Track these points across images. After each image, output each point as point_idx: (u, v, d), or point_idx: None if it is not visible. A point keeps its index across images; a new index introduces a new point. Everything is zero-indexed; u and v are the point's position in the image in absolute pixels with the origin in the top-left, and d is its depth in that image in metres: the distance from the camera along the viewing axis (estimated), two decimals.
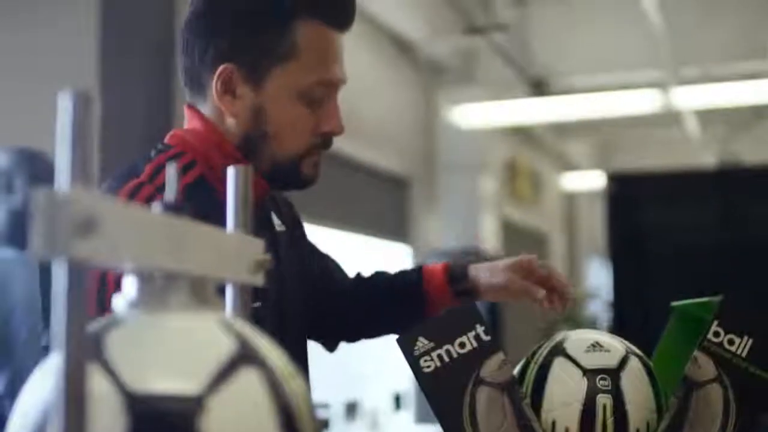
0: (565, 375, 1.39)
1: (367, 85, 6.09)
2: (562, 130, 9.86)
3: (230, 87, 1.40)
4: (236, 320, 0.78)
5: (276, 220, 1.53)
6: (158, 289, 0.74)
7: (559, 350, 1.42)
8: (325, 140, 1.46)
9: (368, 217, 6.32)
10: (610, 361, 1.39)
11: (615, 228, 5.73)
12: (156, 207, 0.75)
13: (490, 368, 1.40)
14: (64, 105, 0.63)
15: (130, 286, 0.75)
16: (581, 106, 7.30)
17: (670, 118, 8.18)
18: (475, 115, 7.28)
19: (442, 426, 1.41)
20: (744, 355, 1.40)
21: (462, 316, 1.41)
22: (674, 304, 1.61)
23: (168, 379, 0.68)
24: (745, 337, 1.40)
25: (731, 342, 1.40)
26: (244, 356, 0.72)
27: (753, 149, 8.43)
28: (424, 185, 7.25)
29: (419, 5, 6.34)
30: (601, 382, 1.37)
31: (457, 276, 1.66)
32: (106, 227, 0.63)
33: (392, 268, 1.77)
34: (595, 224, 10.18)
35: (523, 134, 9.12)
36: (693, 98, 7.03)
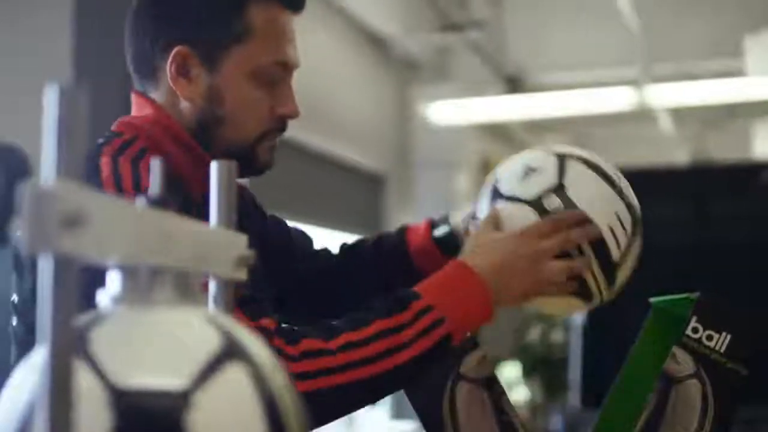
0: (512, 213, 1.39)
1: (341, 82, 6.09)
2: (537, 127, 9.88)
3: (184, 69, 1.38)
4: (221, 315, 0.78)
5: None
6: (143, 284, 0.73)
7: (496, 194, 1.42)
8: (282, 124, 1.44)
9: (343, 213, 6.31)
10: (548, 179, 1.39)
11: None
12: (141, 201, 0.74)
13: (469, 364, 1.40)
14: (51, 98, 0.62)
15: (114, 281, 0.74)
16: (556, 103, 7.31)
17: (643, 115, 8.21)
18: (449, 111, 7.28)
19: (423, 423, 1.41)
20: (722, 350, 1.41)
21: None
22: (652, 300, 1.61)
23: (154, 374, 0.68)
24: (724, 334, 1.41)
25: (710, 338, 1.41)
26: (230, 352, 0.71)
27: (726, 147, 8.49)
28: (399, 182, 7.25)
29: (395, 2, 6.34)
30: (550, 206, 1.38)
31: (437, 222, 1.64)
32: (94, 221, 0.63)
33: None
34: None
35: (498, 131, 9.14)
36: (667, 96, 7.06)
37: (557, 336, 8.32)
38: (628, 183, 1.42)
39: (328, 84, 5.72)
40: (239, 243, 0.89)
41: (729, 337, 1.41)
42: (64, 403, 0.61)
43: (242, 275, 0.90)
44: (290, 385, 0.76)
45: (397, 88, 7.28)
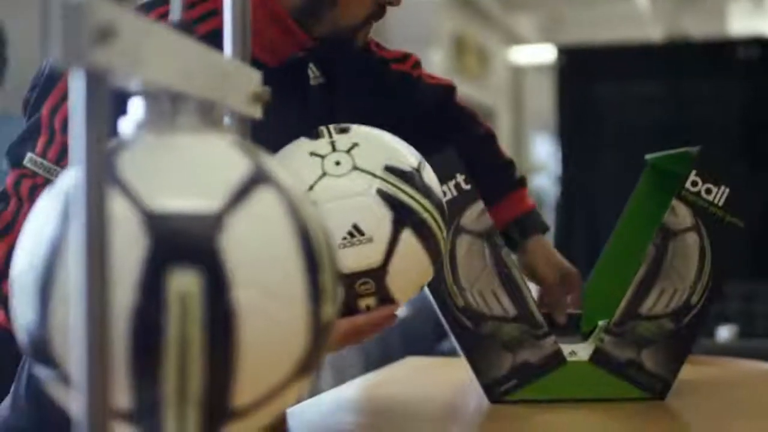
0: None
1: None
2: (511, 4, 9.79)
3: None
4: (246, 142, 0.76)
5: (314, 72, 1.42)
6: (167, 110, 0.72)
7: None
8: (382, 9, 1.40)
9: None
10: (375, 256, 1.16)
11: (564, 102, 5.73)
12: (167, 24, 0.72)
13: (470, 217, 1.40)
14: None
15: (137, 107, 0.72)
16: None
17: None
18: None
19: None
20: (721, 204, 1.42)
21: (442, 165, 1.40)
22: (648, 156, 1.62)
23: (186, 197, 0.67)
24: (722, 187, 1.41)
25: (708, 191, 1.42)
26: (261, 177, 0.70)
27: (701, 24, 8.45)
28: None
29: None
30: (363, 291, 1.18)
31: (523, 231, 1.62)
32: (124, 36, 0.61)
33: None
34: (542, 99, 10.21)
35: (470, 7, 9.03)
36: None
37: None
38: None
39: None
40: (253, 79, 0.87)
41: (727, 190, 1.41)
42: (98, 224, 0.60)
43: (256, 112, 0.88)
44: (320, 217, 0.75)
45: None
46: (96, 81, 0.60)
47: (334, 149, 1.16)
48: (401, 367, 1.83)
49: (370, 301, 1.17)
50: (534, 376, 1.41)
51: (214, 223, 0.66)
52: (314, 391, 1.78)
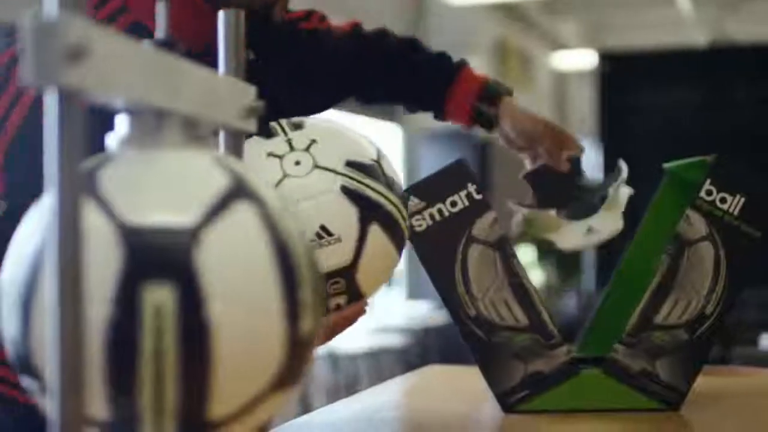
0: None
1: None
2: (553, 9, 9.75)
3: None
4: (231, 158, 0.77)
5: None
6: (151, 126, 0.73)
7: None
8: None
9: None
10: (344, 255, 1.16)
11: (606, 108, 5.71)
12: (147, 43, 0.73)
13: (481, 226, 1.40)
14: None
15: (122, 124, 0.73)
16: None
17: None
18: None
19: (435, 285, 1.42)
20: (736, 213, 1.40)
21: (453, 175, 1.41)
22: (666, 165, 1.61)
23: (162, 211, 0.68)
24: (738, 196, 1.40)
25: (723, 200, 1.41)
26: (239, 191, 0.71)
27: (746, 28, 8.36)
28: None
29: None
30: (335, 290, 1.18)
31: (492, 99, 1.53)
32: (97, 55, 0.62)
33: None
34: (584, 105, 10.15)
35: (512, 13, 9.01)
36: None
37: None
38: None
39: None
40: (248, 93, 0.88)
41: (743, 199, 1.40)
42: (73, 240, 0.61)
43: (251, 126, 0.90)
44: (302, 232, 0.76)
45: None
46: (69, 100, 0.61)
47: (291, 148, 1.13)
48: (421, 375, 1.83)
49: (341, 299, 1.16)
50: (546, 387, 1.40)
51: (189, 237, 0.67)
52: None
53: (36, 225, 0.70)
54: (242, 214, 0.70)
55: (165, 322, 0.65)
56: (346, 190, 1.12)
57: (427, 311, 6.71)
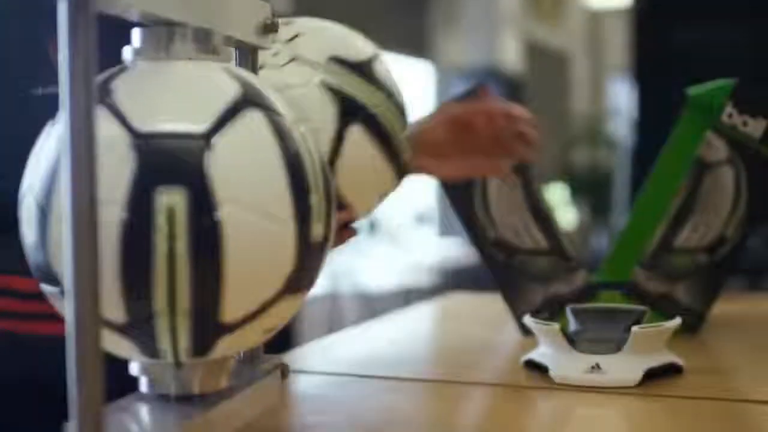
0: None
1: None
2: None
3: None
4: (242, 69, 0.79)
5: None
6: (163, 37, 0.74)
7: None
8: None
9: (386, 33, 6.24)
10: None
11: (641, 46, 5.64)
12: None
13: None
14: None
15: (137, 36, 0.75)
16: None
17: None
18: None
19: (456, 213, 1.43)
20: (757, 136, 1.40)
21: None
22: (689, 90, 1.60)
23: (174, 119, 0.69)
24: (760, 119, 1.40)
25: (745, 124, 1.40)
26: (250, 100, 0.72)
27: None
28: (444, 0, 7.12)
29: None
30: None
31: None
32: None
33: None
34: (619, 43, 10.03)
35: None
36: None
37: (603, 156, 8.30)
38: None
39: None
40: (263, 9, 0.89)
41: (765, 123, 1.40)
42: (86, 148, 0.62)
43: (266, 43, 0.91)
44: (313, 142, 0.78)
45: None
46: (80, 9, 0.62)
47: (273, 40, 1.00)
48: (445, 301, 1.85)
49: None
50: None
51: (201, 142, 0.68)
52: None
53: (54, 136, 0.72)
54: (253, 121, 0.71)
55: (177, 225, 0.67)
56: (325, 85, 1.05)
57: (458, 248, 6.72)
